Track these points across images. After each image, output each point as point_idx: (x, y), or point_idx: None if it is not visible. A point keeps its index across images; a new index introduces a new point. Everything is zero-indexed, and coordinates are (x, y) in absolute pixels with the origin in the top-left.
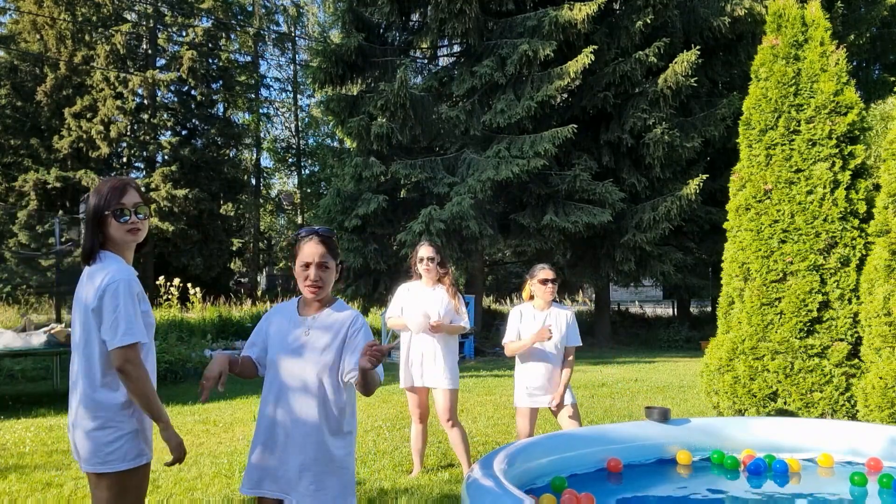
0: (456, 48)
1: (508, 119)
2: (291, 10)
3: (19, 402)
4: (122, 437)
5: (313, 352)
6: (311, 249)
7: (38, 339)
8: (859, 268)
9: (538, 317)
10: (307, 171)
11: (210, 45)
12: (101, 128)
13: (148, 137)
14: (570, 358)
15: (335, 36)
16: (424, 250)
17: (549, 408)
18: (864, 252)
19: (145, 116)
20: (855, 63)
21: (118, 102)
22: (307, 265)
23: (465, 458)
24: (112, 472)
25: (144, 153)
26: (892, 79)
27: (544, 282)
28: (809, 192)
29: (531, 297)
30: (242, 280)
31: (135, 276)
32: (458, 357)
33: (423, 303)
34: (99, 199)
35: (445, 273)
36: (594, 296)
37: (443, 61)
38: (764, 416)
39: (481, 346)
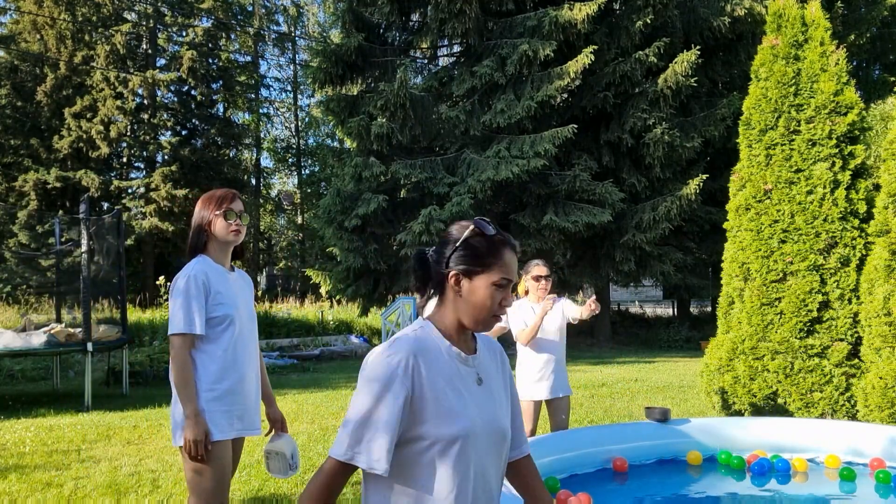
0: (456, 48)
1: (508, 119)
2: (291, 10)
3: (19, 402)
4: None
5: (499, 405)
6: (514, 263)
7: (38, 339)
8: (859, 268)
9: (536, 308)
10: (307, 171)
11: (210, 45)
12: (101, 128)
13: (148, 137)
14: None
15: (335, 36)
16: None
17: (543, 400)
18: (864, 252)
19: (145, 116)
20: (855, 63)
21: (118, 102)
22: (507, 283)
23: None
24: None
25: (144, 153)
26: (892, 79)
27: (537, 278)
28: (809, 192)
29: (526, 293)
30: None
31: (210, 271)
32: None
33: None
34: (209, 205)
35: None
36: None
37: (443, 61)
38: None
39: None
